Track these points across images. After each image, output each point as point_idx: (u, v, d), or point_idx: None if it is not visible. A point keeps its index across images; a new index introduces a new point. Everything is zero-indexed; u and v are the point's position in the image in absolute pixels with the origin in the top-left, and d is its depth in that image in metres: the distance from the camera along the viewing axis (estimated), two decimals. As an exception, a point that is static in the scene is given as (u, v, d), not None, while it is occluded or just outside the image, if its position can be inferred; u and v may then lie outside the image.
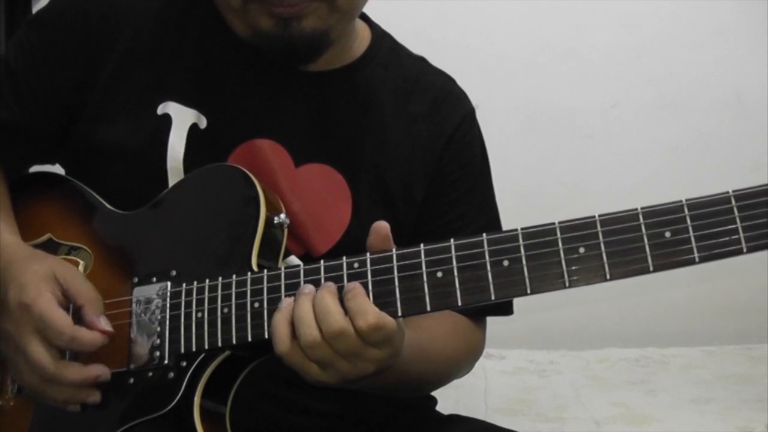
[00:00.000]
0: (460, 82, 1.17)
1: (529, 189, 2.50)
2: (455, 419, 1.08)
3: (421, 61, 1.14)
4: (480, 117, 1.16)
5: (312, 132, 1.03)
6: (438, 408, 1.15)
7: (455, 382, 1.13)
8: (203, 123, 1.01)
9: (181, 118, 1.00)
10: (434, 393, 1.14)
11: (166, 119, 1.00)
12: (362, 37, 1.09)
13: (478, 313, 1.08)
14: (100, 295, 0.92)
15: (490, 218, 1.12)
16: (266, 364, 0.91)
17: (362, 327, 0.77)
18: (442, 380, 1.06)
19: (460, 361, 1.08)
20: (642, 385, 1.95)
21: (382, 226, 0.83)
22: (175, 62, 1.02)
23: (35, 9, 2.24)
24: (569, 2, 2.47)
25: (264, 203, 0.91)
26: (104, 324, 0.89)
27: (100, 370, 0.89)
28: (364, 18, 1.11)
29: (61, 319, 0.87)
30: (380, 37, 1.11)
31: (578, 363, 2.16)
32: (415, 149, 1.06)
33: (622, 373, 2.07)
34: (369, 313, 0.78)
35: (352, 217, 1.02)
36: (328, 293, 0.79)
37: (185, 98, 1.01)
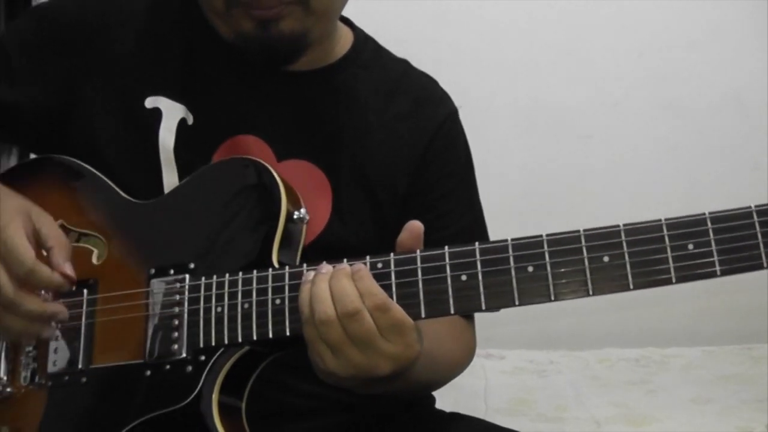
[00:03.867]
0: (460, 83, 1.17)
1: (529, 189, 2.50)
2: (457, 417, 1.08)
3: (404, 63, 1.17)
4: (480, 117, 1.16)
5: (293, 129, 1.05)
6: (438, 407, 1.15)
7: (455, 382, 1.13)
8: (190, 119, 1.03)
9: (171, 111, 1.03)
10: (435, 394, 1.15)
11: (156, 113, 1.02)
12: (344, 40, 1.11)
13: None
14: (114, 282, 0.93)
15: (475, 215, 1.13)
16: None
17: (368, 306, 0.78)
18: (444, 382, 1.08)
19: (462, 362, 1.09)
20: (642, 385, 1.95)
21: (415, 225, 0.84)
22: (163, 62, 1.05)
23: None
24: (569, 2, 2.48)
25: (285, 197, 0.92)
26: (68, 269, 0.91)
27: (58, 308, 0.91)
28: (348, 22, 1.14)
29: (25, 248, 0.88)
30: (362, 41, 1.13)
31: (578, 363, 2.16)
32: (398, 148, 1.08)
33: (622, 373, 2.07)
34: (377, 294, 0.79)
35: (333, 212, 1.04)
36: (344, 275, 0.80)
37: (174, 94, 1.03)
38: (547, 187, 2.52)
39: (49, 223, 0.94)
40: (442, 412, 1.11)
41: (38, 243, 0.91)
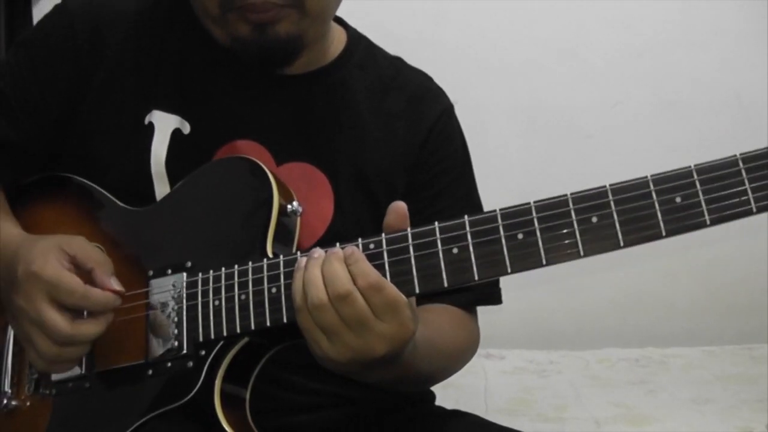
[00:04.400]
0: (461, 83, 1.18)
1: (529, 189, 2.48)
2: (458, 414, 1.09)
3: (398, 60, 1.17)
4: (480, 117, 1.17)
5: (292, 132, 1.05)
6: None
7: (455, 382, 1.14)
8: (186, 128, 1.03)
9: (164, 124, 1.03)
10: (435, 392, 1.15)
11: (150, 128, 1.03)
12: (338, 40, 1.12)
13: (470, 303, 1.10)
14: (111, 262, 0.93)
15: (473, 210, 1.14)
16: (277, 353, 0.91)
17: (362, 286, 0.79)
18: (448, 373, 1.09)
19: (466, 353, 1.10)
20: (642, 385, 1.95)
21: (400, 206, 0.84)
22: (158, 71, 1.04)
23: (35, 10, 2.25)
24: (569, 2, 2.47)
25: (277, 191, 0.93)
26: (116, 284, 0.91)
27: (111, 318, 0.90)
28: (341, 22, 1.14)
29: (71, 278, 0.88)
30: (356, 40, 1.14)
31: (578, 363, 2.16)
32: (395, 145, 1.08)
33: (622, 373, 2.07)
34: (370, 274, 0.79)
35: (335, 213, 1.04)
36: (335, 259, 0.80)
37: (169, 106, 1.03)
38: (547, 187, 2.50)
39: (82, 246, 0.93)
40: (442, 409, 1.12)
41: (78, 269, 0.91)
